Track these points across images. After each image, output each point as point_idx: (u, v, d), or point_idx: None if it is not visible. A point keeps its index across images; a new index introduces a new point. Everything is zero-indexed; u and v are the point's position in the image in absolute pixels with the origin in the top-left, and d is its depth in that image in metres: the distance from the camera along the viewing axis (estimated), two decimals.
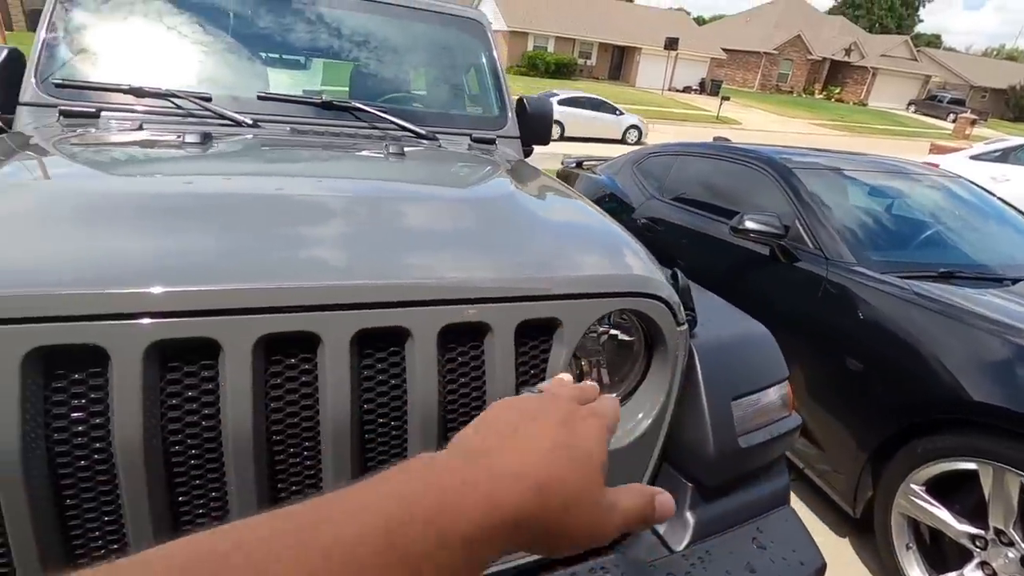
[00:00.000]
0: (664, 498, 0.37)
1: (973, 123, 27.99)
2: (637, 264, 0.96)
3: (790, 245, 2.34)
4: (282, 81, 2.03)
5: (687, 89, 36.69)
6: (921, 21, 63.50)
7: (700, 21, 59.98)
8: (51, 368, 0.62)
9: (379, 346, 0.74)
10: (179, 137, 1.27)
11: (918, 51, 42.49)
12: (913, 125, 32.33)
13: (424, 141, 1.84)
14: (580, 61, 35.39)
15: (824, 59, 40.56)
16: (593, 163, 4.63)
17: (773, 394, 1.04)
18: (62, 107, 1.58)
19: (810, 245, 2.29)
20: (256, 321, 0.67)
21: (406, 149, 1.44)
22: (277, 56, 2.03)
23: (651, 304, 0.90)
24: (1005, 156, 7.30)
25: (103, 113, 1.61)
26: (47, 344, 0.61)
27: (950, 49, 60.45)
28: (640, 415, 0.96)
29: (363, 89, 2.10)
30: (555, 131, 14.57)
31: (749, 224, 2.33)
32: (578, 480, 0.32)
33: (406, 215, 0.95)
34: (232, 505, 0.70)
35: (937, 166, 8.36)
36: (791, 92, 40.37)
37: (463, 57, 2.27)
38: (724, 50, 38.88)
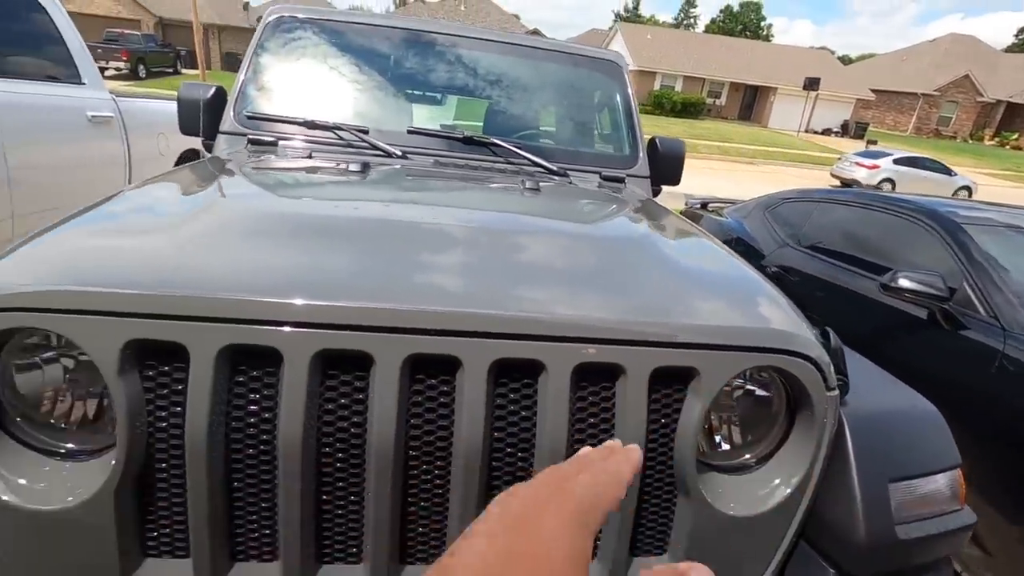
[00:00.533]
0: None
1: None
2: (785, 318, 0.89)
3: (955, 310, 2.06)
4: (428, 116, 2.20)
5: (827, 131, 34.19)
6: None
7: (846, 60, 56.07)
8: (236, 364, 0.71)
9: (515, 377, 0.76)
10: (344, 166, 1.42)
11: None
12: None
13: (555, 177, 1.89)
14: (709, 100, 34.51)
15: (998, 101, 35.84)
16: (719, 205, 4.45)
17: (941, 481, 0.90)
18: (250, 136, 1.83)
19: (982, 312, 1.99)
20: (406, 341, 0.71)
21: (541, 185, 1.49)
22: (426, 94, 2.21)
23: (798, 363, 0.83)
24: None
25: (281, 142, 1.84)
26: (236, 343, 0.69)
27: None
28: (776, 481, 0.88)
29: (501, 125, 2.22)
30: (886, 188, 14.67)
31: (904, 282, 2.09)
32: None
33: (545, 250, 0.97)
34: (368, 507, 0.74)
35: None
36: (954, 137, 36.04)
37: (598, 97, 2.31)
38: (873, 91, 35.86)
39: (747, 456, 0.90)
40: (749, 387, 0.90)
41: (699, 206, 4.52)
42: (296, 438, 0.69)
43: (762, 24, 65.61)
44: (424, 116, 2.19)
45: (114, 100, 3.47)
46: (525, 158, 1.92)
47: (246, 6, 32.94)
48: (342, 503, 0.75)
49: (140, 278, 0.71)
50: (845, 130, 34.23)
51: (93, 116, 3.20)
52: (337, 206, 1.10)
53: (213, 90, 1.97)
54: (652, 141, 2.25)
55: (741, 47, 38.33)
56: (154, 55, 24.07)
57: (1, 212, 2.54)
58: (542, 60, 2.26)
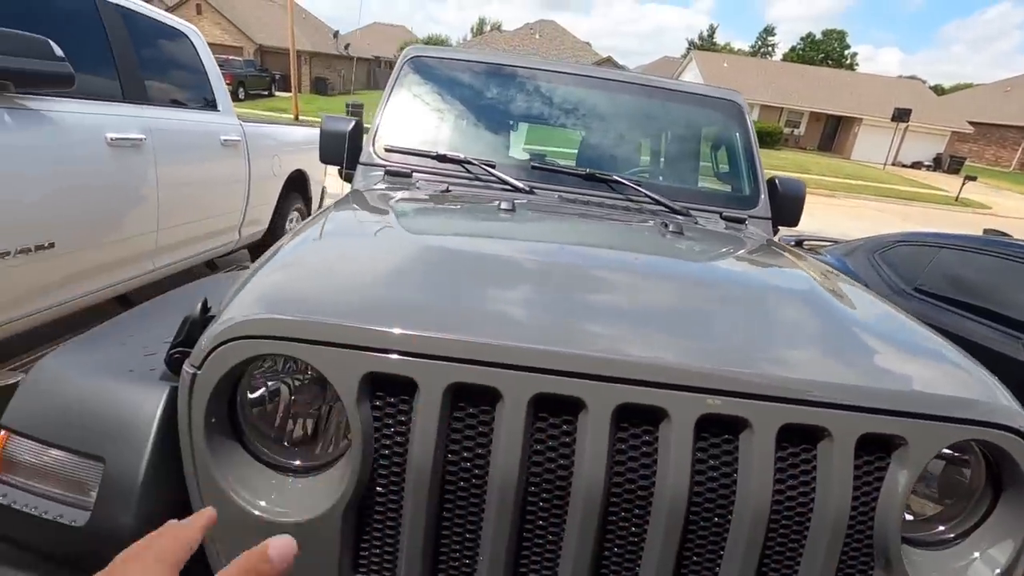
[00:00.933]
0: (280, 542, 0.38)
1: None
2: (992, 388, 0.85)
3: None
4: (548, 151, 2.27)
5: (916, 165, 32.17)
6: None
7: (938, 90, 52.83)
8: (457, 401, 0.76)
9: (715, 432, 0.76)
10: (496, 203, 1.48)
11: None
12: None
13: (678, 216, 1.89)
14: (787, 130, 33.40)
15: None
16: (816, 243, 4.27)
17: None
18: (388, 168, 1.95)
19: None
20: (616, 390, 0.74)
21: (683, 228, 1.50)
22: (545, 130, 2.28)
23: (1010, 438, 0.79)
24: None
25: (414, 174, 1.95)
26: (460, 381, 0.74)
27: None
28: (975, 556, 0.83)
29: (616, 161, 2.25)
30: None
31: None
32: None
33: (731, 303, 0.98)
34: (567, 548, 0.76)
35: None
36: None
37: (717, 135, 2.30)
38: (971, 123, 33.51)
39: (941, 528, 0.86)
40: (946, 455, 0.86)
41: (793, 243, 4.35)
42: (510, 477, 0.73)
43: (846, 53, 63.14)
44: (544, 151, 2.27)
45: (241, 125, 3.80)
46: (648, 196, 1.94)
47: (336, 35, 35.24)
48: (542, 542, 0.77)
49: (378, 315, 0.78)
50: (938, 164, 32.08)
51: (225, 140, 3.51)
52: (525, 248, 1.15)
53: (353, 124, 2.11)
54: (772, 181, 2.21)
55: (823, 76, 36.99)
56: (252, 79, 26.08)
57: (149, 226, 2.82)
58: (661, 99, 2.29)
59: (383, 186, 1.84)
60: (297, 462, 0.81)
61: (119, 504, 0.75)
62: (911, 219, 14.37)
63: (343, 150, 2.11)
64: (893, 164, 30.21)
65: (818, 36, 63.98)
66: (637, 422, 0.76)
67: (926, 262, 2.96)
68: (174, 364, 0.81)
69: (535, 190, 1.90)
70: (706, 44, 67.54)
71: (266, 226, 4.37)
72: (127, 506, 0.75)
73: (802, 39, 65.02)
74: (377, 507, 0.78)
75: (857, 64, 64.65)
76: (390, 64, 45.62)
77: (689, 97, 2.28)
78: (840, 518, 0.75)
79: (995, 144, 35.68)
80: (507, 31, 38.41)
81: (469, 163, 1.95)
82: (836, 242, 4.04)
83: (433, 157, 1.98)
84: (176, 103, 3.22)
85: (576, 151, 2.30)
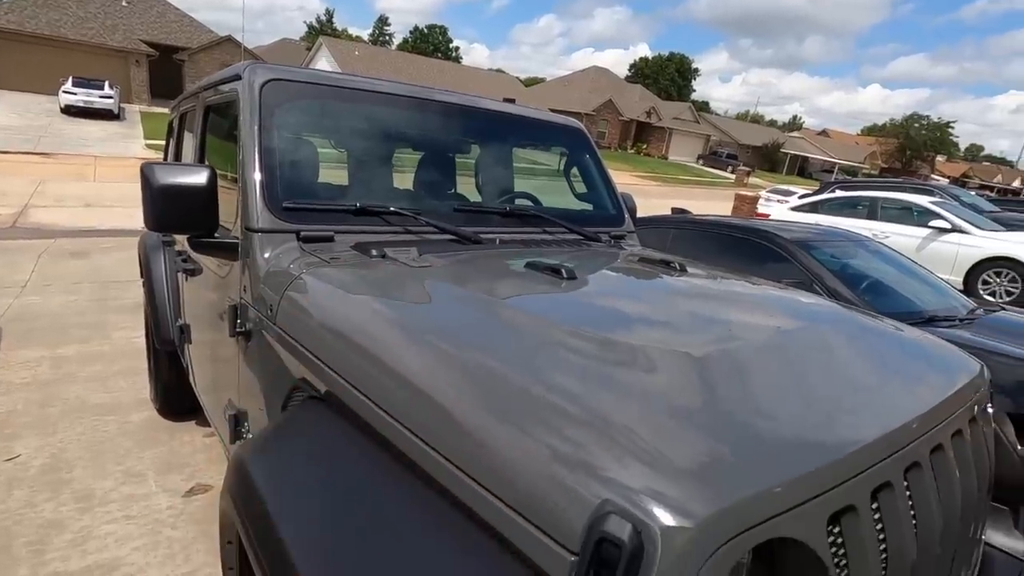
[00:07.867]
0: None
1: (748, 174, 34.89)
2: None
3: None
4: (447, 189, 2.04)
5: None
6: (694, 91, 77.69)
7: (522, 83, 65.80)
8: None
9: None
10: (559, 274, 1.31)
11: (699, 115, 51.80)
12: (706, 176, 39.09)
13: (592, 242, 2.03)
14: None
15: (631, 120, 47.22)
16: None
17: None
18: (303, 233, 1.48)
19: None
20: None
21: (689, 268, 1.63)
22: (436, 164, 2.05)
23: None
24: (815, 208, 9.42)
25: (336, 236, 1.54)
26: None
27: (716, 114, 74.50)
28: None
29: (506, 192, 2.21)
30: None
31: None
32: None
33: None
34: None
35: (768, 216, 10.29)
36: (609, 147, 46.09)
37: (572, 160, 2.48)
38: (552, 110, 43.18)
39: None
40: None
41: None
42: None
43: (450, 47, 72.00)
44: (441, 188, 2.03)
45: None
46: (565, 227, 2.01)
47: None
48: None
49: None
50: None
51: None
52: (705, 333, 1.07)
53: (207, 174, 1.48)
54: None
55: (442, 67, 41.56)
56: None
57: None
58: (523, 127, 2.34)
59: (352, 257, 1.39)
60: None
61: None
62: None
63: (190, 211, 1.46)
64: None
65: (424, 30, 70.93)
66: None
67: (665, 244, 3.86)
68: None
69: (480, 236, 1.74)
70: (325, 28, 66.84)
71: None
72: None
73: (411, 32, 71.03)
74: None
75: (461, 57, 74.63)
76: None
77: (543, 124, 2.40)
78: None
79: None
80: None
81: (400, 215, 1.64)
82: None
83: (352, 212, 1.59)
84: None
85: (465, 185, 2.16)
